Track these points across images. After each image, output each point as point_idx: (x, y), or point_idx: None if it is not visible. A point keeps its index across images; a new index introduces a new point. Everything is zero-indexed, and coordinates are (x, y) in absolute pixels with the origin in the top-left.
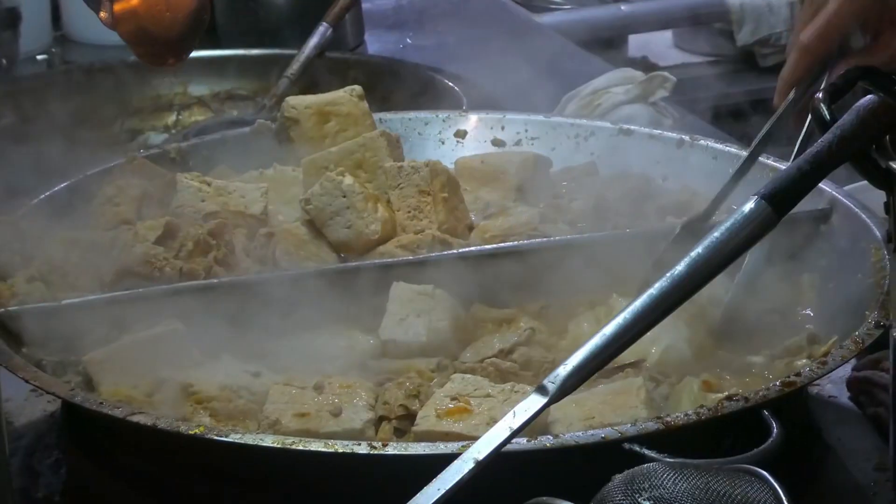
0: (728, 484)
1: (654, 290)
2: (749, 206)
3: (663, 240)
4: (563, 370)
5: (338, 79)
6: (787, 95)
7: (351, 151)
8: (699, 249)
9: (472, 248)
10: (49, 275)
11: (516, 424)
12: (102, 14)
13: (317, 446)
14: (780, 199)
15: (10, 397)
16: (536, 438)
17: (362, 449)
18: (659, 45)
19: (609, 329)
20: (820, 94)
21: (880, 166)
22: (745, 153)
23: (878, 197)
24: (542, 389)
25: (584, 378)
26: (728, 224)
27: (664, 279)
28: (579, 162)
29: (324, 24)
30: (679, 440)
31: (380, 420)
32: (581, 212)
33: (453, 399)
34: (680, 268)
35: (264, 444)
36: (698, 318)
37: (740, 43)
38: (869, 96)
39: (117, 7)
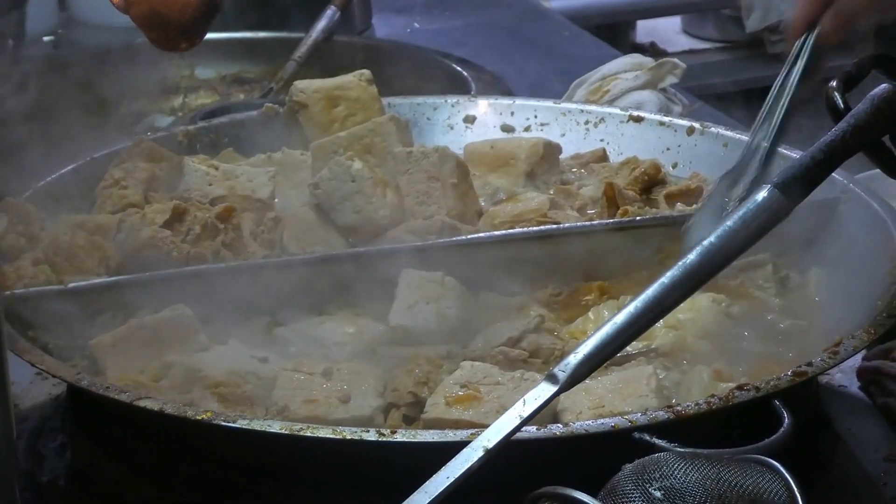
0: (739, 474)
1: (665, 280)
2: (762, 194)
3: (673, 227)
4: (574, 358)
5: (345, 62)
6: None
7: (360, 136)
8: (711, 238)
9: (482, 235)
10: (55, 258)
11: (526, 413)
12: None
13: (325, 433)
14: (793, 188)
15: (15, 380)
16: (546, 427)
17: (371, 436)
18: (667, 30)
19: (620, 317)
20: (834, 83)
21: (894, 156)
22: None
23: (890, 185)
24: (552, 378)
25: (595, 367)
26: (741, 213)
27: (675, 268)
28: (589, 148)
29: (332, 7)
30: (689, 429)
31: (389, 407)
32: (591, 198)
33: (463, 386)
34: (691, 257)
35: (272, 431)
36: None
37: (749, 29)
38: (883, 85)
39: None
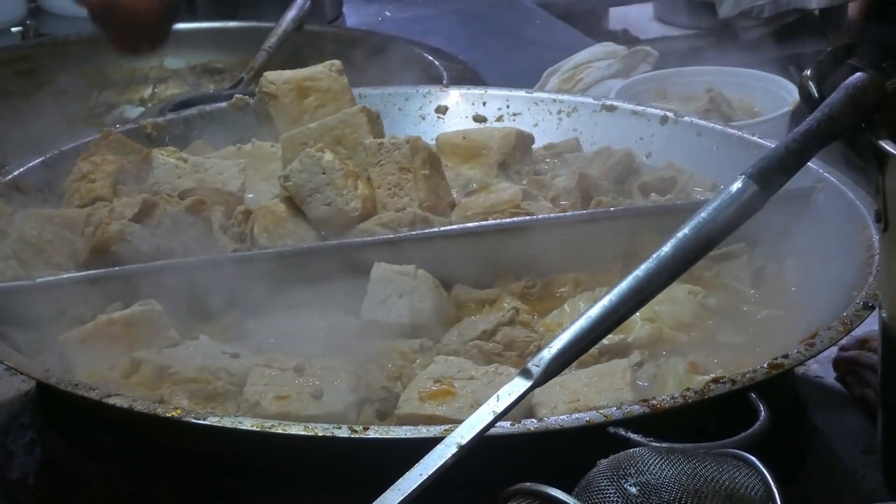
0: (715, 469)
1: (639, 272)
2: (736, 185)
3: (647, 218)
4: (548, 353)
5: (316, 52)
6: None
7: (331, 127)
8: (685, 230)
9: (454, 227)
10: (23, 253)
11: (500, 408)
12: None
13: (296, 430)
14: (768, 178)
15: None
16: (520, 422)
17: (343, 432)
18: (639, 17)
19: (595, 311)
20: (808, 72)
21: (870, 144)
22: (729, 130)
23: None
24: (526, 373)
25: (569, 361)
26: (715, 204)
27: (650, 260)
28: (562, 138)
29: None
30: (665, 423)
31: (362, 402)
32: (564, 189)
33: (436, 381)
34: (666, 249)
35: (243, 428)
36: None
37: (722, 16)
38: (858, 73)
39: None
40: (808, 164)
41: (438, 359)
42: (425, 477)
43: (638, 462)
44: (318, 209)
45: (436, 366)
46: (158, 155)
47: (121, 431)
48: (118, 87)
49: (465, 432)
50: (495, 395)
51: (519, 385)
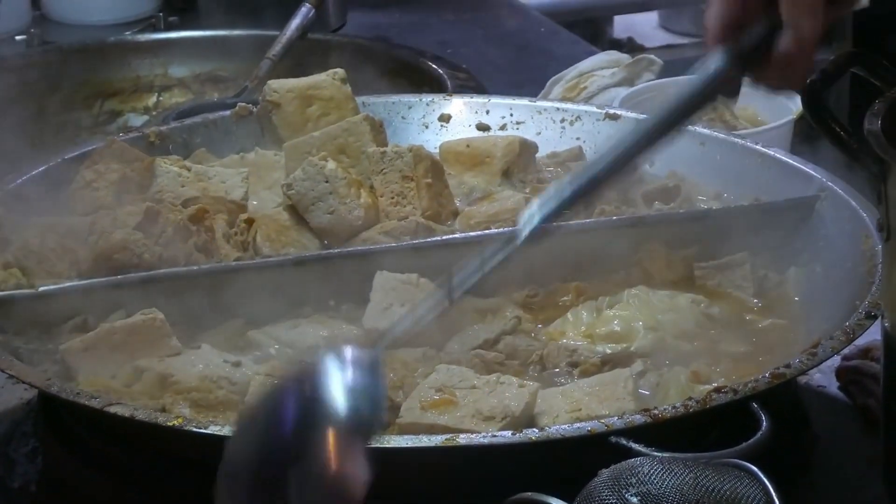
0: (717, 479)
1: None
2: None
3: (651, 226)
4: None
5: (320, 60)
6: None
7: (334, 136)
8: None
9: (457, 236)
10: (26, 261)
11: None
12: None
13: None
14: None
15: None
16: (521, 431)
17: None
18: (644, 25)
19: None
20: (811, 80)
21: (871, 153)
22: (733, 139)
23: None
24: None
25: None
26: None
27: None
28: (565, 146)
29: (306, 4)
30: (667, 433)
31: None
32: None
33: (438, 390)
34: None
35: None
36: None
37: None
38: None
39: None
40: (811, 172)
41: (440, 368)
42: None
43: (639, 472)
44: (321, 218)
45: (437, 375)
46: (161, 163)
47: (122, 440)
48: (122, 95)
49: None
50: None
51: None
